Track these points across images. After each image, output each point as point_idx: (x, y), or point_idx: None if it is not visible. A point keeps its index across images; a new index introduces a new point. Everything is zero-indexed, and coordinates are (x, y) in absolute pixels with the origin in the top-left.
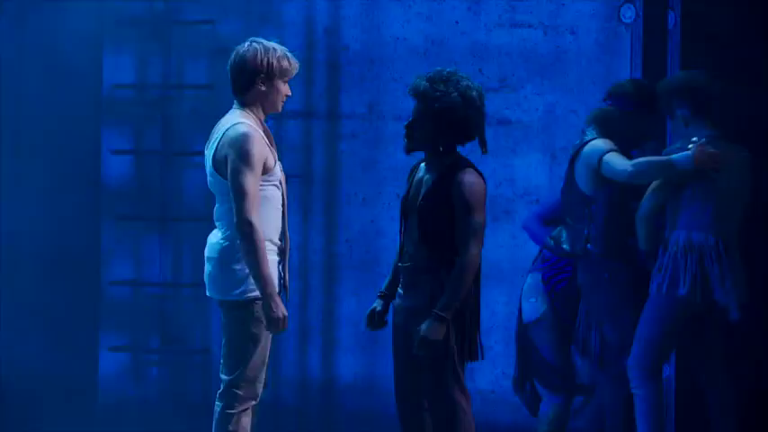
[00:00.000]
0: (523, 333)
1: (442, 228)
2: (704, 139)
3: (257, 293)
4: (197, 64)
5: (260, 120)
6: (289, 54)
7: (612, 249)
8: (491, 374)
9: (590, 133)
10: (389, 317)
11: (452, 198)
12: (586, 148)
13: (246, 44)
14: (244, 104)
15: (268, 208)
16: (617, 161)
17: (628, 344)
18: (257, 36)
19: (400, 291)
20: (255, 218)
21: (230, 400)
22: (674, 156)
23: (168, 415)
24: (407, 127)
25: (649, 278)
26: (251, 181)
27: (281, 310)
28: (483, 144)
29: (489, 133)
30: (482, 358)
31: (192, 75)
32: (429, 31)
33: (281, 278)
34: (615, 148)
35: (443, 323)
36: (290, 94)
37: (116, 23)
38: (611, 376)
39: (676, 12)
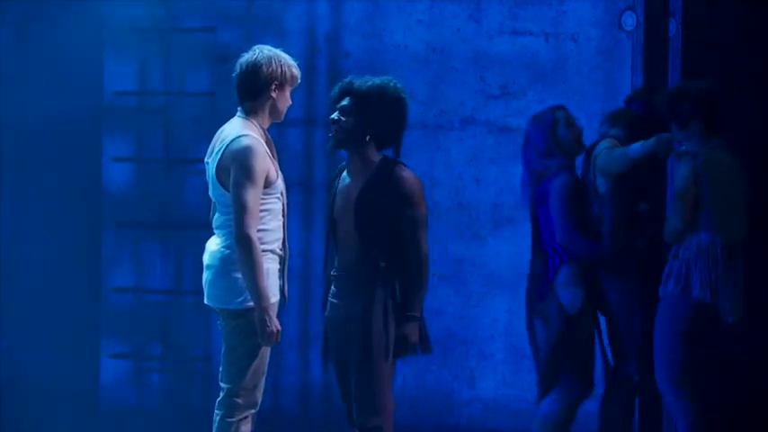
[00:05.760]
0: (565, 328)
1: (381, 229)
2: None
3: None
4: (198, 71)
5: (263, 129)
6: (294, 62)
7: (620, 250)
8: (493, 382)
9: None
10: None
11: (391, 195)
12: (597, 146)
13: (256, 51)
14: (249, 112)
15: (270, 220)
16: (603, 159)
17: (637, 348)
18: (258, 44)
19: (334, 300)
20: (254, 232)
21: (229, 408)
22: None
23: (169, 422)
24: (335, 121)
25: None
26: (252, 195)
27: (275, 324)
28: (398, 149)
29: (490, 140)
30: (431, 351)
31: (194, 82)
32: (430, 38)
33: (281, 287)
34: (610, 147)
35: (417, 323)
36: (290, 103)
37: (117, 31)
38: (616, 378)
39: (677, 19)
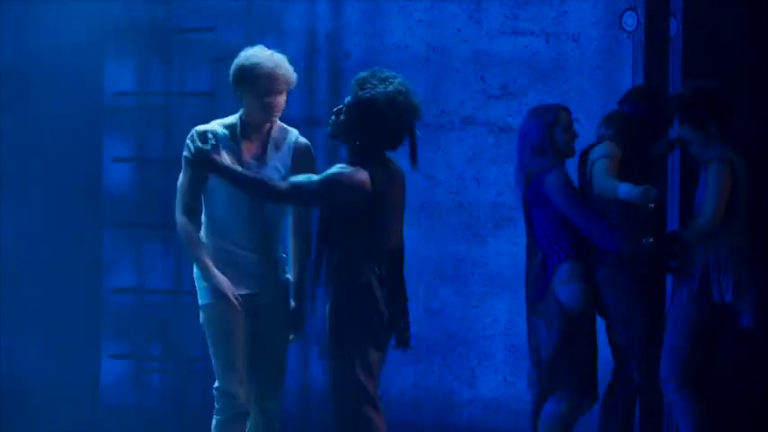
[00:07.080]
0: (567, 327)
1: (338, 226)
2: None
3: (205, 300)
4: (198, 72)
5: (250, 125)
6: (275, 68)
7: (626, 250)
8: (493, 381)
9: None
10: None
11: None
12: (595, 149)
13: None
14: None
15: (216, 206)
16: (599, 170)
17: (635, 349)
18: (258, 44)
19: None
20: (180, 215)
21: (215, 406)
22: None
23: (169, 422)
24: (335, 112)
25: (660, 281)
26: (182, 179)
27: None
28: (413, 158)
29: (490, 140)
30: (408, 345)
31: (194, 82)
32: (431, 38)
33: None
34: (609, 154)
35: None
36: (277, 106)
37: (117, 31)
38: (616, 379)
39: (678, 19)
